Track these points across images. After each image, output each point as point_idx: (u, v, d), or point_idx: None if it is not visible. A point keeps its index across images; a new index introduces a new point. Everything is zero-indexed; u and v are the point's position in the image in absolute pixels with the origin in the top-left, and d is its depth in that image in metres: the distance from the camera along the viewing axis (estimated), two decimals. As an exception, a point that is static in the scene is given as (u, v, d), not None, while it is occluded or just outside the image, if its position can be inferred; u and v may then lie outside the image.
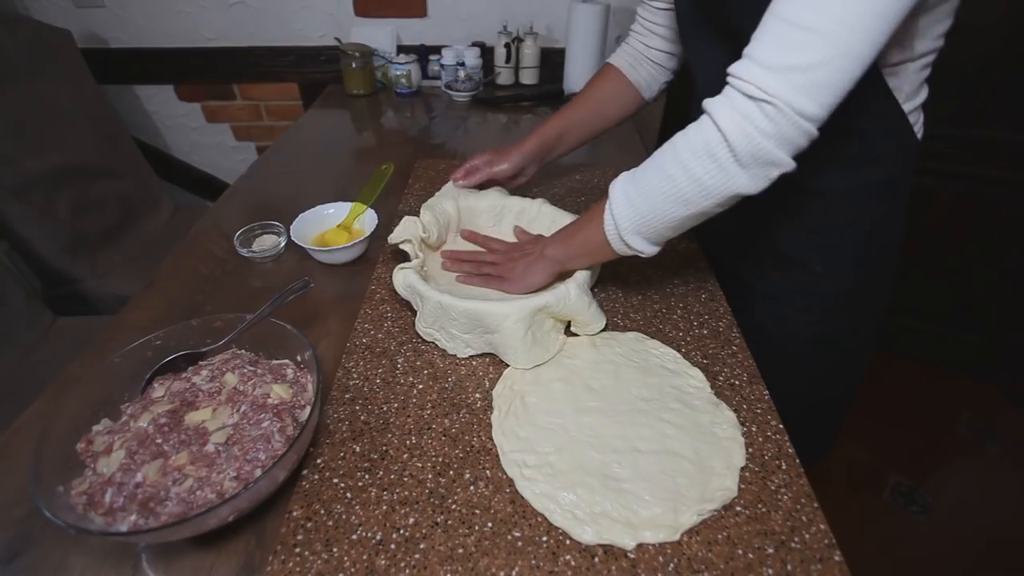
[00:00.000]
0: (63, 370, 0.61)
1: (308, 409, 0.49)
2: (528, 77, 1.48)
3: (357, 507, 0.47)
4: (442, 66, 1.44)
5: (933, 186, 1.48)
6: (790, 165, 0.47)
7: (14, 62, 1.18)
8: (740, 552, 0.44)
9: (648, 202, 0.53)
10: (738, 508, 0.47)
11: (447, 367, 0.62)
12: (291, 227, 0.77)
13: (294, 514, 0.47)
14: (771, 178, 0.48)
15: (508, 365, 0.61)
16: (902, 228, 0.68)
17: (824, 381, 0.79)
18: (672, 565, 0.43)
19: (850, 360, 0.79)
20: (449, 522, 0.46)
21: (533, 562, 0.43)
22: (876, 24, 0.42)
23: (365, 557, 0.44)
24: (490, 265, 0.72)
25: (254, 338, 0.57)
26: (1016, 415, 1.63)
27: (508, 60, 1.46)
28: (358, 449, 0.52)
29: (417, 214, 0.73)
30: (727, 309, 0.70)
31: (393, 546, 0.44)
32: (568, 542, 0.45)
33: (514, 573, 0.43)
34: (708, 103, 0.48)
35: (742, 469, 0.50)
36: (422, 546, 0.44)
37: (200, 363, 0.54)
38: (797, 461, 0.51)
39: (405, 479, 0.49)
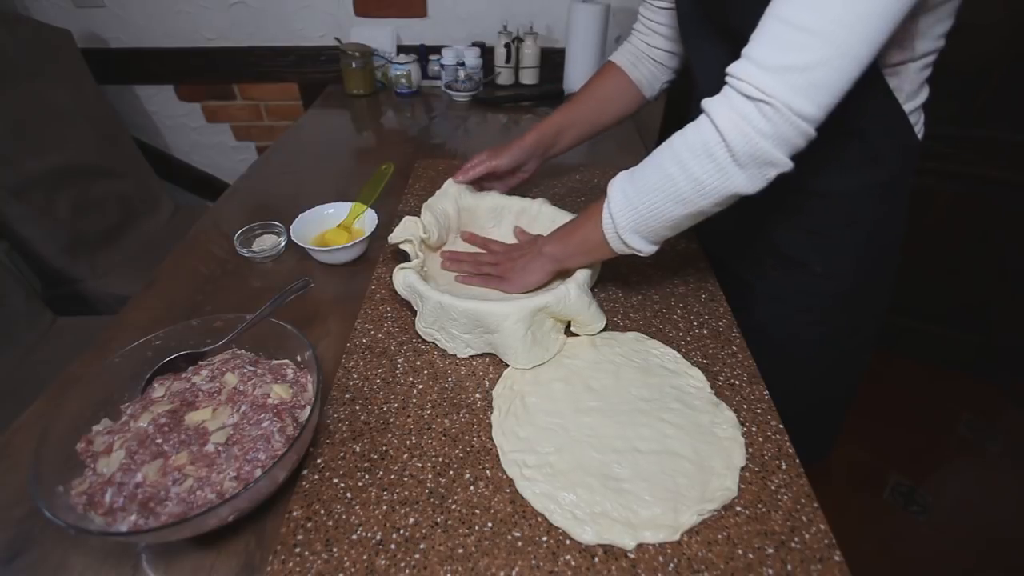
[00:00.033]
0: (63, 370, 0.61)
1: (308, 409, 0.49)
2: (528, 77, 1.48)
3: (357, 507, 0.47)
4: (442, 66, 1.44)
5: (933, 186, 1.48)
6: (788, 165, 0.47)
7: (14, 62, 1.18)
8: (740, 552, 0.44)
9: (646, 201, 0.53)
10: (738, 508, 0.47)
11: (447, 367, 0.62)
12: (291, 227, 0.77)
13: (294, 514, 0.47)
14: (768, 178, 0.48)
15: (508, 365, 0.61)
16: (902, 228, 0.68)
17: (824, 381, 0.79)
18: (672, 565, 0.43)
19: (850, 360, 0.79)
20: (449, 522, 0.46)
21: (533, 562, 0.43)
22: (875, 24, 0.42)
23: (365, 557, 0.44)
24: (489, 265, 0.72)
25: (254, 338, 0.57)
26: (1016, 415, 1.63)
27: (508, 60, 1.46)
28: (358, 449, 0.52)
29: (417, 214, 0.73)
30: (727, 309, 0.70)
31: (393, 546, 0.44)
32: (568, 542, 0.45)
33: (514, 573, 0.43)
34: (706, 103, 0.48)
35: (742, 469, 0.50)
36: (422, 546, 0.44)
37: (200, 363, 0.54)
38: (797, 461, 0.51)
39: (405, 479, 0.49)
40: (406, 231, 0.69)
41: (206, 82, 1.60)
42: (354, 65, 1.40)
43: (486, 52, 1.45)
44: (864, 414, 1.40)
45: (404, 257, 0.71)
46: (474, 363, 0.62)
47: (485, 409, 0.56)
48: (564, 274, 0.66)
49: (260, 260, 0.80)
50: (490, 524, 0.46)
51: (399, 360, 0.62)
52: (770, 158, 0.46)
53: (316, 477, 0.50)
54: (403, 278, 0.63)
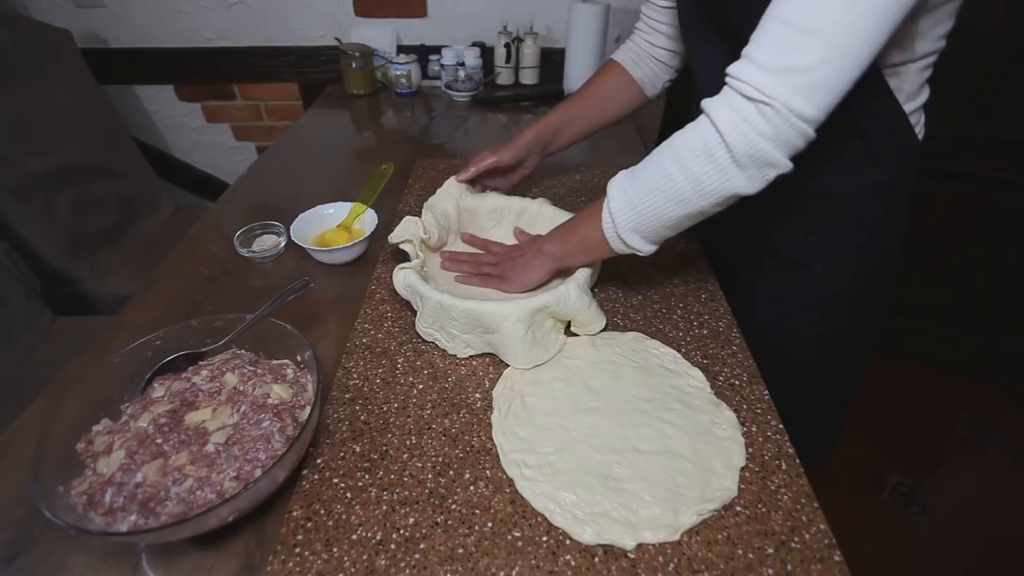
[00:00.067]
0: (63, 370, 0.61)
1: (308, 409, 0.49)
2: (528, 77, 1.48)
3: (357, 507, 0.47)
4: (442, 66, 1.44)
5: (933, 186, 1.48)
6: (787, 166, 0.47)
7: (14, 62, 1.18)
8: (740, 552, 0.44)
9: (646, 201, 0.53)
10: (738, 508, 0.47)
11: (447, 367, 0.62)
12: (291, 227, 0.77)
13: (294, 514, 0.47)
14: (768, 179, 0.48)
15: (508, 365, 0.61)
16: (902, 229, 0.68)
17: (824, 381, 0.79)
18: (672, 565, 0.43)
19: (850, 360, 0.79)
20: (449, 522, 0.46)
21: (533, 562, 0.43)
22: (874, 26, 0.42)
23: (365, 557, 0.44)
24: (489, 265, 0.72)
25: (254, 338, 0.57)
26: (1016, 415, 1.63)
27: (508, 60, 1.46)
28: (358, 449, 0.52)
29: (417, 214, 0.73)
30: (727, 309, 0.70)
31: (393, 546, 0.44)
32: (568, 542, 0.45)
33: (514, 573, 0.43)
34: (706, 103, 0.48)
35: (742, 469, 0.50)
36: (422, 546, 0.44)
37: (200, 363, 0.54)
38: (797, 461, 0.51)
39: (405, 479, 0.49)
40: (406, 231, 0.69)
41: (206, 82, 1.60)
42: (354, 65, 1.40)
43: (486, 52, 1.45)
44: (864, 414, 1.40)
45: (404, 257, 0.71)
46: (474, 363, 0.62)
47: (485, 409, 0.56)
48: (564, 274, 0.66)
49: (260, 260, 0.80)
50: (490, 524, 0.46)
51: (399, 360, 0.62)
52: (770, 159, 0.46)
53: (316, 477, 0.50)
54: (403, 278, 0.63)
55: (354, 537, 0.45)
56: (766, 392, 0.58)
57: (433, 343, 0.63)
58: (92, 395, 0.49)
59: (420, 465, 0.51)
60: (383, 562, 0.43)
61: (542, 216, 0.78)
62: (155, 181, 1.51)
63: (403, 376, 0.60)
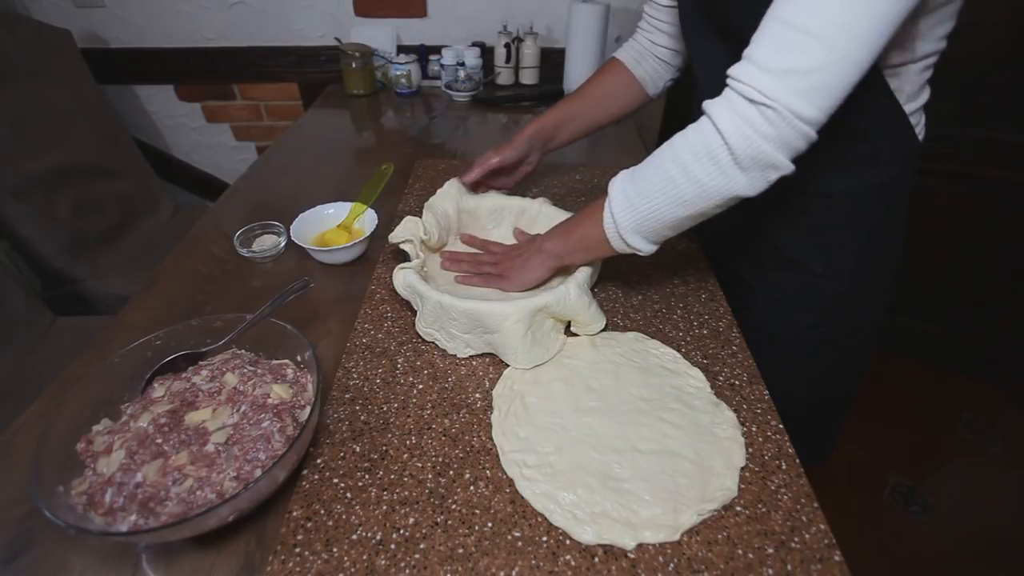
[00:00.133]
0: (63, 370, 0.61)
1: (308, 409, 0.49)
2: (528, 77, 1.48)
3: (357, 507, 0.47)
4: (442, 66, 1.44)
5: (933, 186, 1.48)
6: (789, 168, 0.47)
7: (14, 62, 1.18)
8: (740, 552, 0.44)
9: (647, 202, 0.53)
10: (738, 508, 0.47)
11: (447, 367, 0.62)
12: (291, 227, 0.77)
13: (294, 514, 0.47)
14: (770, 180, 0.48)
15: (508, 365, 0.61)
16: (902, 229, 0.68)
17: (824, 381, 0.79)
18: (672, 565, 0.43)
19: (850, 360, 0.79)
20: (449, 522, 0.46)
21: (533, 562, 0.43)
22: (875, 28, 0.42)
23: (365, 557, 0.44)
24: (489, 264, 0.72)
25: (254, 338, 0.57)
26: (1016, 415, 1.63)
27: (508, 60, 1.46)
28: (358, 449, 0.52)
29: (417, 214, 0.73)
30: (727, 309, 0.70)
31: (393, 546, 0.44)
32: (568, 542, 0.45)
33: (514, 573, 0.43)
34: (708, 105, 0.48)
35: (742, 469, 0.50)
36: (422, 546, 0.44)
37: (200, 363, 0.54)
38: (797, 461, 0.51)
39: (405, 479, 0.49)
40: (406, 231, 0.69)
41: (206, 82, 1.60)
42: (354, 65, 1.40)
43: (486, 52, 1.45)
44: (864, 414, 1.40)
45: (404, 257, 0.71)
46: (474, 363, 0.62)
47: (485, 409, 0.56)
48: (564, 273, 0.66)
49: (260, 260, 0.80)
50: (490, 524, 0.46)
51: (399, 360, 0.62)
52: (772, 161, 0.46)
53: (316, 477, 0.50)
54: (403, 278, 0.63)
55: (354, 537, 0.45)
56: (766, 392, 0.58)
57: (433, 343, 0.63)
58: (92, 395, 0.49)
59: (420, 465, 0.51)
60: (383, 562, 0.43)
61: (542, 216, 0.78)
62: (155, 181, 1.51)
63: (403, 376, 0.60)
